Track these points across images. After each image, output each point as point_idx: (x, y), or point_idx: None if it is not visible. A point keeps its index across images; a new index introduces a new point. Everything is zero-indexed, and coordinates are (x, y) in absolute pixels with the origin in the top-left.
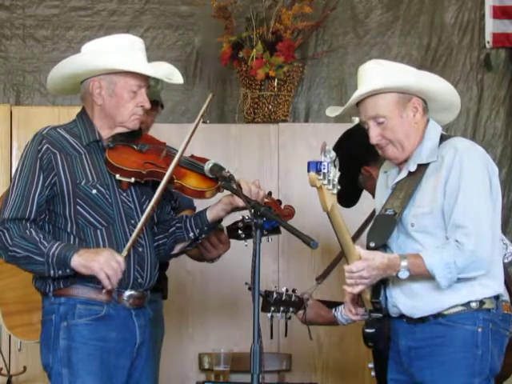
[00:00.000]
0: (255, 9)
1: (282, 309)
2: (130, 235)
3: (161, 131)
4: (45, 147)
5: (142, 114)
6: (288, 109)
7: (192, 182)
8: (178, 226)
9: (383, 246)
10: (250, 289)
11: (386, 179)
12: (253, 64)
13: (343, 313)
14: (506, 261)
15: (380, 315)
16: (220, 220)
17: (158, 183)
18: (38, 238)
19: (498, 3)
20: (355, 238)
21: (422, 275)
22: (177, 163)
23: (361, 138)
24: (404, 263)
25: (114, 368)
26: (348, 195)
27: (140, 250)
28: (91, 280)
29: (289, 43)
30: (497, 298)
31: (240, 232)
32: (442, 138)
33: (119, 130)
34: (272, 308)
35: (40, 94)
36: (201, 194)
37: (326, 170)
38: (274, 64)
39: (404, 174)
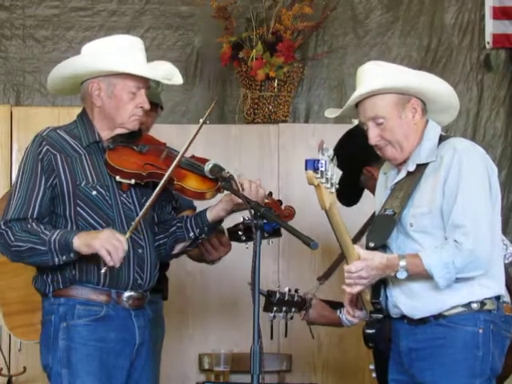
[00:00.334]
0: (255, 9)
1: (284, 309)
2: None
3: (161, 132)
4: (45, 149)
5: (142, 115)
6: (288, 109)
7: (192, 183)
8: (178, 226)
9: (383, 246)
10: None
11: (386, 180)
12: (253, 64)
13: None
14: (506, 261)
15: (380, 316)
16: (221, 220)
17: (158, 185)
18: (39, 229)
19: (498, 4)
20: (356, 239)
21: (421, 275)
22: (176, 166)
23: (362, 138)
24: (402, 263)
25: (114, 368)
26: (349, 194)
27: (140, 251)
28: (91, 280)
29: (289, 44)
30: (498, 298)
31: (241, 234)
32: (441, 139)
33: (119, 131)
34: (274, 308)
35: (40, 94)
36: (201, 196)
37: (323, 168)
38: (274, 64)
39: (403, 174)
